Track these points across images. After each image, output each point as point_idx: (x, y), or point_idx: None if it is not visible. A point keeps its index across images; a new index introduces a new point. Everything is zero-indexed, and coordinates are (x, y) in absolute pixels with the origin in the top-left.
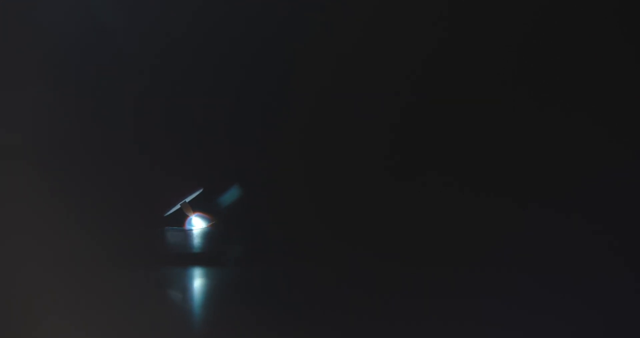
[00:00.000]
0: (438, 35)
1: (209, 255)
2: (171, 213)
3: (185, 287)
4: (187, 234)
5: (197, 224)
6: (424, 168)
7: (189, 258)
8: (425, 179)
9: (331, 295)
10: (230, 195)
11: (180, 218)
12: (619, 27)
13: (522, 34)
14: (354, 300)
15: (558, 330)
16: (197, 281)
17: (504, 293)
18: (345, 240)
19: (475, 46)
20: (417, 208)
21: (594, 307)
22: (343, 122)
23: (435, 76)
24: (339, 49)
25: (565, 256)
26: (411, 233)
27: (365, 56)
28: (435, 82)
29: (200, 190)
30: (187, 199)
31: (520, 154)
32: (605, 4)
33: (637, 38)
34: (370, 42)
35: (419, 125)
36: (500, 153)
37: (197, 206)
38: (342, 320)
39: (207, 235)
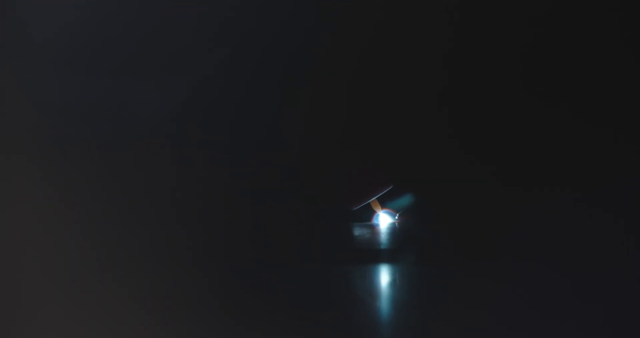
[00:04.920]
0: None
1: (394, 251)
2: (359, 208)
3: (371, 284)
4: (374, 230)
5: (384, 220)
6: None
7: (373, 254)
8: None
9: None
10: (408, 197)
11: (368, 214)
12: (623, 28)
13: (524, 38)
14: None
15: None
16: (385, 278)
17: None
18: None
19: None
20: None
21: (605, 305)
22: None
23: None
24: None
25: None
26: None
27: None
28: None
29: (390, 187)
30: (377, 196)
31: (535, 149)
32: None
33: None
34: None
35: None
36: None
37: (385, 203)
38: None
39: (392, 232)
